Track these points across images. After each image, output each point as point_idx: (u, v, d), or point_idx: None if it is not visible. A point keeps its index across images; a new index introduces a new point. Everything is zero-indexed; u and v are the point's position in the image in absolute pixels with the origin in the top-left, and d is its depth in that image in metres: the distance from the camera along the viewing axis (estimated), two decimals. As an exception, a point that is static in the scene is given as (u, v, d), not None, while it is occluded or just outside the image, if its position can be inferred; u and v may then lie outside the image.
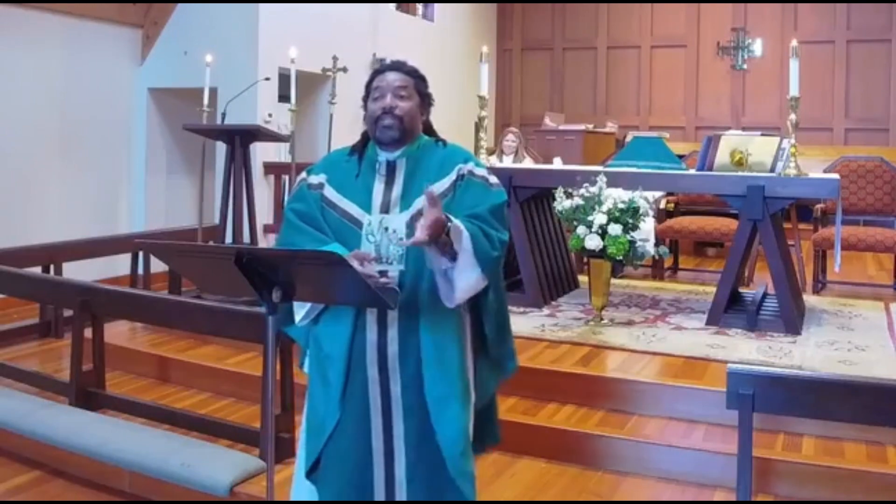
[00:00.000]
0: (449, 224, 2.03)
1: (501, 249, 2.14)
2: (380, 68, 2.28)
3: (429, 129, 2.32)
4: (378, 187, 2.21)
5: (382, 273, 2.12)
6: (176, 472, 3.23)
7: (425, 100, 2.27)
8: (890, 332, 4.63)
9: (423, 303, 2.14)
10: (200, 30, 7.27)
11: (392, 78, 2.22)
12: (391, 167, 2.22)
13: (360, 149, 2.27)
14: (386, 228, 2.15)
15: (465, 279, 2.08)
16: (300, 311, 2.23)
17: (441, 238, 2.02)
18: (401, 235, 2.13)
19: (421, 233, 1.97)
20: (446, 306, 2.14)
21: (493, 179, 2.24)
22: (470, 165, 2.23)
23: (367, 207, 2.19)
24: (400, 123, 2.18)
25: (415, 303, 2.13)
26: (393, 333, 2.15)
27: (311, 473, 2.22)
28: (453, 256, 2.06)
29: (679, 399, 3.70)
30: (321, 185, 2.25)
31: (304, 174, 2.33)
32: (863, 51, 10.29)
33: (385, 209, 2.18)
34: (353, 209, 2.20)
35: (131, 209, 7.59)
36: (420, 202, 2.13)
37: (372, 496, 2.17)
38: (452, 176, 2.20)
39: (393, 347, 2.15)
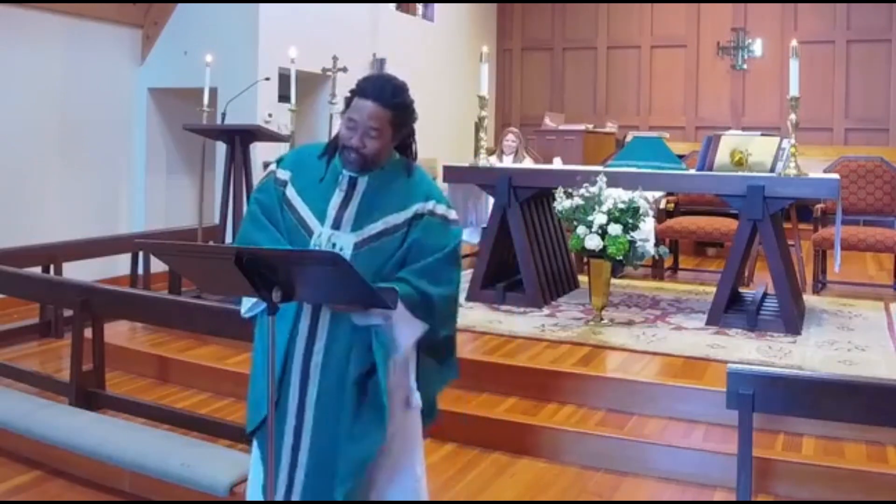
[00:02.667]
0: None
1: (444, 305, 2.19)
2: (363, 88, 2.18)
3: (404, 142, 2.28)
4: (335, 200, 2.22)
5: None
6: (176, 472, 3.23)
7: (402, 129, 2.22)
8: (890, 332, 4.63)
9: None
10: (200, 30, 7.27)
11: (368, 112, 2.15)
12: (352, 182, 2.23)
13: (331, 152, 2.27)
14: (333, 244, 2.19)
15: (410, 336, 2.17)
16: (247, 303, 2.28)
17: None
18: (346, 255, 2.15)
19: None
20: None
21: (452, 216, 2.26)
22: (430, 204, 2.23)
23: (322, 219, 2.22)
24: (363, 161, 2.19)
25: (346, 318, 2.16)
26: (320, 345, 2.20)
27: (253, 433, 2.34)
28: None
29: (679, 399, 3.70)
30: (285, 184, 2.28)
31: (274, 165, 2.35)
32: (863, 51, 10.29)
33: (337, 225, 2.20)
34: (308, 217, 2.23)
35: (131, 209, 7.59)
36: (371, 228, 2.19)
37: (275, 490, 2.22)
38: (409, 214, 2.20)
39: (317, 358, 2.20)
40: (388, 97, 2.16)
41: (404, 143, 2.29)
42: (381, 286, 2.11)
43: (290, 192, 2.26)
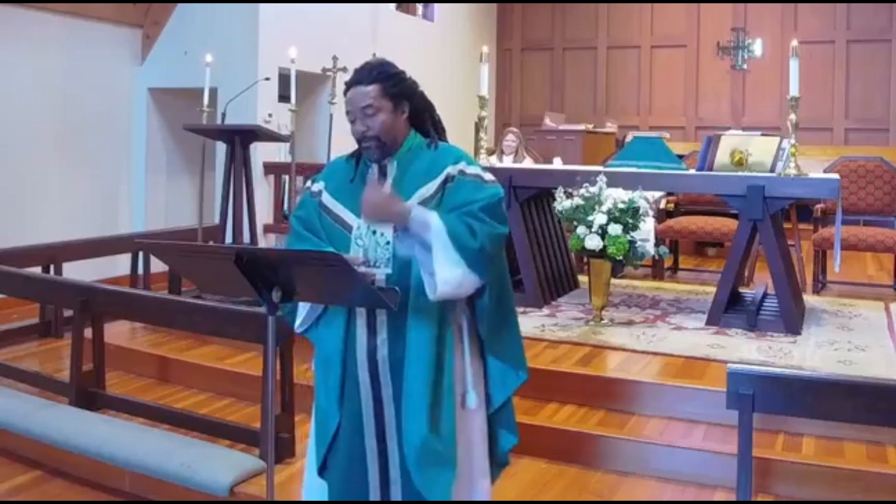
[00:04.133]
0: (411, 213, 2.07)
1: (490, 242, 2.11)
2: (348, 82, 2.23)
3: (420, 116, 2.27)
4: None
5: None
6: (176, 472, 3.23)
7: (401, 97, 2.21)
8: (890, 332, 4.63)
9: (410, 305, 2.15)
10: (200, 30, 7.27)
11: (357, 97, 2.18)
12: (382, 170, 2.24)
13: (358, 154, 2.30)
14: (374, 232, 2.18)
15: (447, 272, 2.07)
16: (299, 316, 2.28)
17: (400, 224, 2.07)
18: (388, 239, 2.16)
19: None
20: (435, 309, 2.14)
21: (488, 176, 2.23)
22: (461, 165, 2.21)
23: (358, 212, 2.21)
24: (378, 142, 2.19)
25: (402, 305, 2.14)
26: (383, 337, 2.17)
27: (322, 472, 2.29)
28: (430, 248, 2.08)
29: (679, 399, 3.69)
30: (320, 192, 2.30)
31: (308, 182, 2.39)
32: (863, 51, 10.29)
33: None
34: (344, 214, 2.24)
35: (131, 209, 7.59)
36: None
37: (368, 496, 2.21)
38: (440, 178, 2.19)
39: (383, 351, 2.17)
40: (367, 75, 2.19)
41: (420, 121, 2.28)
42: (382, 286, 2.11)
43: (326, 197, 2.29)
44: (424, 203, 2.16)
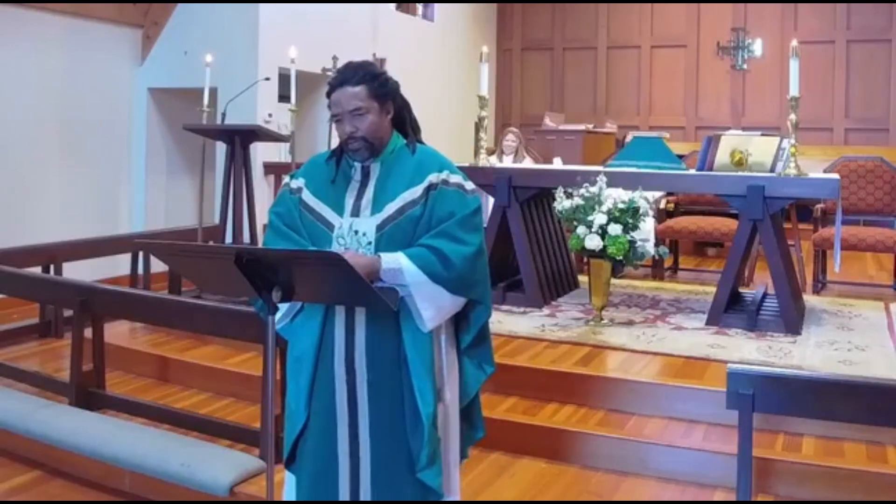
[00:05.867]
0: (381, 266, 2.12)
1: (465, 263, 2.16)
2: (331, 85, 2.23)
3: (400, 115, 2.29)
4: (351, 192, 2.25)
5: None
6: (176, 472, 3.23)
7: (386, 98, 2.23)
8: (890, 332, 4.63)
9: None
10: (200, 30, 7.27)
11: (345, 98, 2.19)
12: (365, 170, 2.26)
13: (338, 154, 2.30)
14: (356, 232, 2.20)
15: (430, 310, 2.16)
16: (280, 313, 2.29)
17: (372, 278, 2.09)
18: (370, 239, 2.18)
19: None
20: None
21: (469, 186, 2.27)
22: (444, 174, 2.24)
23: (340, 211, 2.23)
24: (366, 143, 2.21)
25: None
26: (360, 335, 2.19)
27: (289, 464, 2.32)
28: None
29: (679, 399, 3.70)
30: (300, 190, 2.31)
31: (287, 178, 2.40)
32: (863, 51, 10.29)
33: (356, 213, 2.22)
34: (327, 213, 2.25)
35: (131, 209, 7.59)
36: (390, 207, 2.19)
37: (337, 493, 2.22)
38: (424, 184, 2.21)
39: (360, 349, 2.19)
40: (352, 76, 2.20)
41: (401, 120, 2.30)
42: (382, 286, 2.12)
43: (306, 195, 2.29)
44: (407, 209, 2.19)
